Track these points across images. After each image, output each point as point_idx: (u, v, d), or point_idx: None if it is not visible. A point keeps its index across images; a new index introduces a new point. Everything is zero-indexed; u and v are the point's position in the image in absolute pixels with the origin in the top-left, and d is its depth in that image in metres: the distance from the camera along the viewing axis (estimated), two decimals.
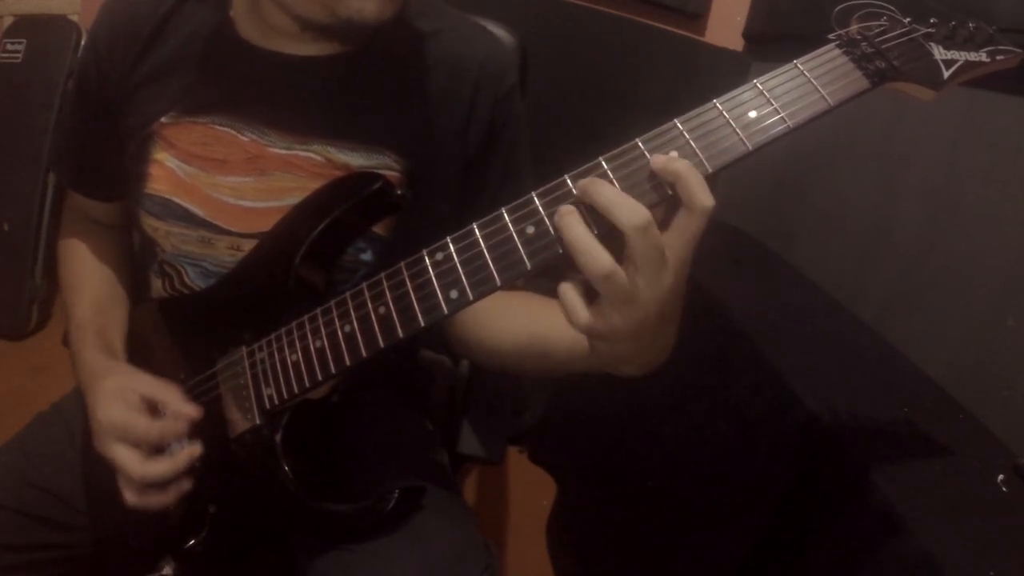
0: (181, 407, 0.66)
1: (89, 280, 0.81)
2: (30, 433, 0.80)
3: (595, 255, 0.44)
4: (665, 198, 0.46)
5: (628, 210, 0.43)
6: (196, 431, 0.68)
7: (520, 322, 0.68)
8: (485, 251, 0.49)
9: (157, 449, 0.67)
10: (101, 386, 0.67)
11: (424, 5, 0.74)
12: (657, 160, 0.45)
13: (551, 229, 0.47)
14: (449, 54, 0.73)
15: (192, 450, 0.65)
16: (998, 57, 0.50)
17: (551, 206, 0.47)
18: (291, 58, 0.70)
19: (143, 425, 0.65)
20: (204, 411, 0.68)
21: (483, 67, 0.73)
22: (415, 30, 0.73)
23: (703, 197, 0.44)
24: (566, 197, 0.47)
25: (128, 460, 0.64)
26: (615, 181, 0.46)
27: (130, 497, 0.65)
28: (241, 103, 0.70)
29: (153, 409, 0.67)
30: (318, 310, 0.60)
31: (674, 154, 0.45)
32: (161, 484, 0.65)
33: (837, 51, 0.48)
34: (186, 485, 0.66)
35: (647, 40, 1.78)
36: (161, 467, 0.64)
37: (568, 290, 0.47)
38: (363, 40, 0.67)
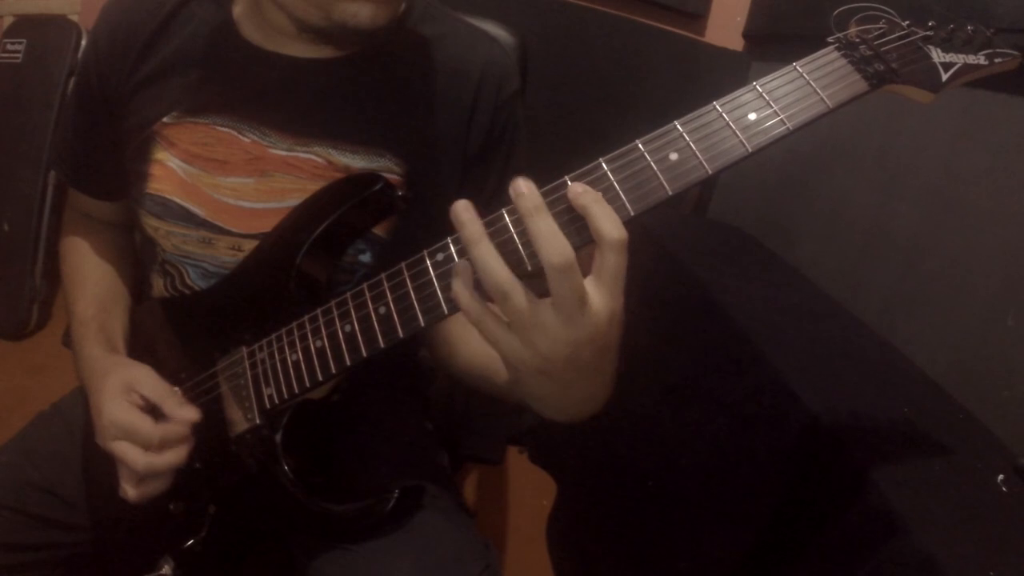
0: (182, 412, 0.66)
1: (91, 277, 0.81)
2: (30, 433, 0.80)
3: (494, 274, 0.44)
4: (665, 199, 0.47)
5: (551, 248, 0.43)
6: (196, 431, 0.68)
7: (476, 345, 0.69)
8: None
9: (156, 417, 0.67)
10: (105, 383, 0.68)
11: (427, 9, 0.75)
12: (572, 191, 0.45)
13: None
14: (451, 59, 0.73)
15: (188, 442, 0.66)
16: (996, 60, 0.50)
17: (551, 207, 0.47)
18: (293, 60, 0.70)
19: (146, 429, 0.65)
20: (204, 411, 0.69)
21: (484, 72, 0.73)
22: (418, 34, 0.73)
23: (610, 229, 0.44)
24: (566, 199, 0.47)
25: (131, 454, 0.64)
26: (616, 183, 0.47)
27: (130, 490, 0.65)
28: (242, 104, 0.71)
29: (155, 409, 0.67)
30: (318, 310, 0.60)
31: (583, 189, 0.45)
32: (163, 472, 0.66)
33: (836, 54, 0.48)
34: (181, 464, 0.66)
35: (647, 40, 1.78)
36: (164, 459, 0.64)
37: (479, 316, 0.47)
38: (359, 44, 0.67)
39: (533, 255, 0.47)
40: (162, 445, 0.65)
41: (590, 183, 0.47)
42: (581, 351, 0.47)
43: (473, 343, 0.71)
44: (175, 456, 0.65)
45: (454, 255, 0.51)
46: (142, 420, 0.65)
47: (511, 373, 0.51)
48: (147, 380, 0.69)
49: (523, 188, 0.45)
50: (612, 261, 0.44)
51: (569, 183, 0.46)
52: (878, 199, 1.25)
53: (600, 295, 0.45)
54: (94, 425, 0.67)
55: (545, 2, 1.72)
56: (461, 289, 0.47)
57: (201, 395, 0.70)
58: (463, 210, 0.46)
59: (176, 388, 0.72)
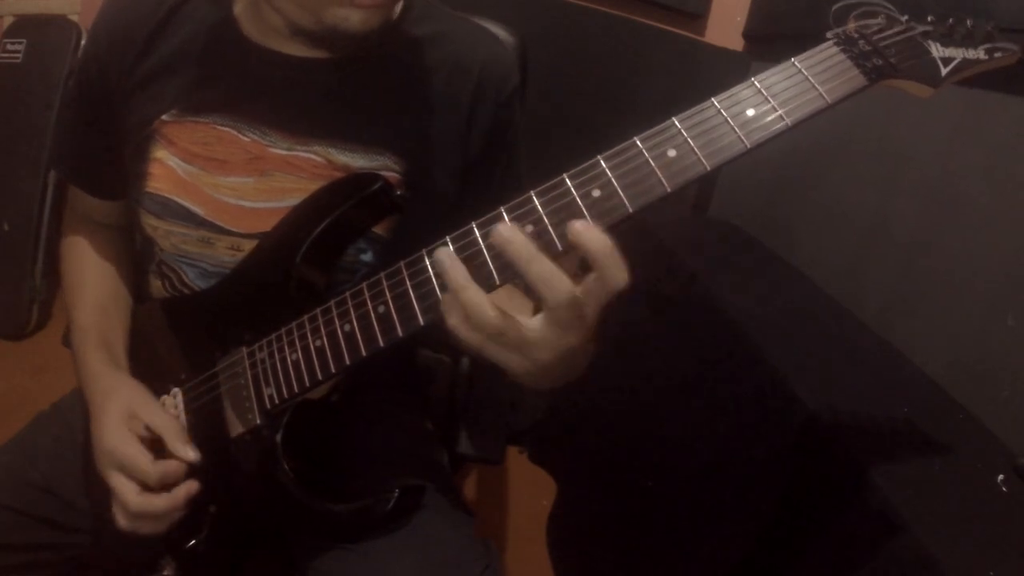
0: (184, 451, 0.66)
1: (91, 280, 0.81)
2: (30, 433, 0.80)
3: (485, 315, 0.46)
4: (664, 196, 0.46)
5: (555, 289, 0.45)
6: (196, 431, 0.68)
7: None
8: (484, 251, 0.49)
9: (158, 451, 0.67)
10: (107, 406, 0.67)
11: (427, 8, 0.75)
12: (574, 229, 0.45)
13: (549, 228, 0.47)
14: (451, 57, 0.73)
15: (190, 487, 0.65)
16: (996, 55, 0.50)
17: (550, 204, 0.48)
18: (293, 59, 0.70)
19: (143, 465, 0.64)
20: (204, 412, 0.69)
21: (485, 70, 0.73)
22: (418, 32, 0.73)
23: (618, 277, 0.45)
24: (564, 196, 0.47)
25: (126, 490, 0.64)
26: (614, 180, 0.47)
27: (122, 522, 0.65)
28: (243, 103, 0.71)
29: (157, 440, 0.67)
30: (318, 310, 0.60)
31: (584, 227, 0.45)
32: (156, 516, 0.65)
33: (835, 49, 0.48)
34: (179, 516, 0.66)
35: (647, 40, 1.78)
36: (158, 503, 0.64)
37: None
38: (351, 47, 0.67)
39: (503, 268, 0.48)
40: (160, 484, 0.64)
41: (589, 180, 0.47)
42: (576, 349, 0.49)
43: None
44: (171, 501, 0.64)
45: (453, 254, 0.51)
46: (141, 456, 0.65)
47: (511, 375, 0.52)
48: (150, 408, 0.69)
49: (508, 234, 0.46)
50: (608, 297, 0.46)
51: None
52: (877, 196, 1.24)
53: (593, 303, 0.47)
54: (93, 449, 0.67)
55: (545, 2, 1.72)
56: (459, 323, 0.48)
57: (201, 395, 0.70)
58: (446, 257, 0.48)
59: (178, 390, 0.72)
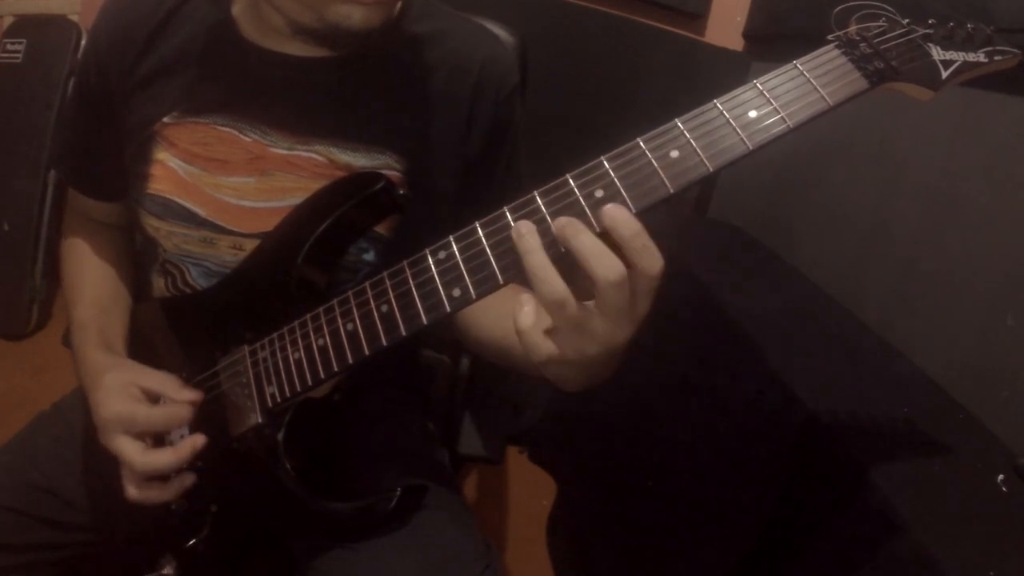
0: (182, 393, 0.66)
1: (91, 279, 0.81)
2: (30, 433, 0.80)
3: (552, 283, 0.45)
4: (667, 196, 0.47)
5: (605, 265, 0.44)
6: (198, 429, 0.68)
7: (492, 318, 0.70)
8: (488, 249, 0.49)
9: (160, 441, 0.67)
10: (103, 382, 0.67)
11: (426, 7, 0.75)
12: (607, 213, 0.45)
13: (553, 228, 0.47)
14: (451, 56, 0.73)
15: (195, 439, 0.65)
16: (996, 58, 0.50)
17: (553, 204, 0.48)
18: (293, 58, 0.70)
19: (144, 412, 0.65)
20: (206, 410, 0.69)
21: (484, 69, 0.73)
22: (417, 32, 0.73)
23: (652, 263, 0.44)
24: (568, 196, 0.48)
25: (132, 450, 0.64)
26: (617, 180, 0.47)
27: (132, 491, 0.65)
28: (243, 103, 0.71)
29: (155, 400, 0.67)
30: (320, 309, 0.60)
31: (621, 215, 0.45)
32: (163, 478, 0.65)
33: (836, 52, 0.48)
34: (188, 480, 0.66)
35: (647, 40, 1.78)
36: (164, 457, 0.64)
37: (526, 326, 0.48)
38: (353, 45, 0.67)
39: (506, 268, 0.48)
40: (167, 426, 0.65)
41: (592, 180, 0.47)
42: (619, 348, 0.48)
43: (490, 317, 0.70)
44: (176, 455, 0.64)
45: (456, 253, 0.51)
46: (142, 407, 0.65)
47: (550, 366, 0.51)
48: (145, 373, 0.69)
49: (563, 222, 0.45)
50: (650, 285, 0.45)
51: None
52: (878, 198, 1.25)
53: (643, 304, 0.46)
54: (96, 424, 0.67)
55: (545, 2, 1.72)
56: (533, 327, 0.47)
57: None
58: (522, 224, 0.47)
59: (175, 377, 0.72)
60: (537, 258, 0.46)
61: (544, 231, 0.47)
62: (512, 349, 0.66)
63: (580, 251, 0.45)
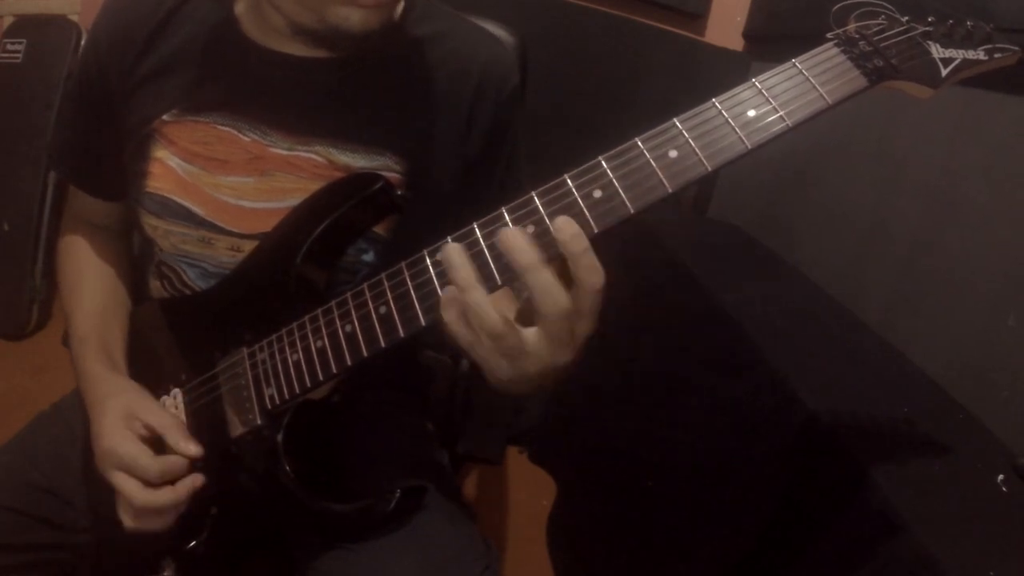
0: (185, 446, 0.66)
1: (89, 284, 0.80)
2: (30, 433, 0.80)
3: (488, 319, 0.47)
4: (665, 196, 0.47)
5: (552, 302, 0.45)
6: (197, 431, 0.68)
7: None
8: (486, 250, 0.49)
9: (159, 443, 0.67)
10: (106, 408, 0.67)
11: (427, 8, 0.75)
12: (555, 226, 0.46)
13: (551, 229, 0.47)
14: (451, 57, 0.73)
15: (195, 479, 0.65)
16: (996, 55, 0.50)
17: (551, 205, 0.48)
18: (294, 58, 0.70)
19: (145, 462, 0.64)
20: (205, 412, 0.69)
21: (485, 70, 0.73)
22: (418, 33, 0.73)
23: (594, 280, 0.45)
24: (566, 196, 0.47)
25: (129, 487, 0.64)
26: (615, 181, 0.47)
27: (128, 521, 0.65)
28: (243, 102, 0.71)
29: (157, 440, 0.67)
30: (319, 310, 0.60)
31: (569, 223, 0.46)
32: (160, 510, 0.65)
33: (835, 50, 0.48)
34: (183, 508, 0.66)
35: (647, 40, 1.78)
36: (162, 497, 0.64)
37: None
38: (353, 47, 0.67)
39: (504, 270, 0.48)
40: (162, 479, 0.64)
41: (590, 180, 0.47)
42: (559, 368, 0.50)
43: None
44: (174, 495, 0.64)
45: None
46: (142, 452, 0.65)
47: (490, 378, 0.53)
48: (149, 407, 0.69)
49: (514, 241, 0.46)
50: (592, 303, 0.46)
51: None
52: (877, 197, 1.25)
53: (585, 324, 0.48)
54: (93, 449, 0.67)
55: (545, 2, 1.72)
56: (455, 320, 0.49)
57: (201, 396, 0.70)
58: (456, 254, 0.48)
59: (178, 390, 0.72)
60: (475, 294, 0.47)
61: (543, 232, 0.47)
62: None
63: (530, 285, 0.46)
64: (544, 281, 0.45)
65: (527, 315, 0.49)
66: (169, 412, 0.70)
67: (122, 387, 0.71)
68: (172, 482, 0.65)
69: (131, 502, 0.64)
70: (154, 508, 0.64)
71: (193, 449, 0.66)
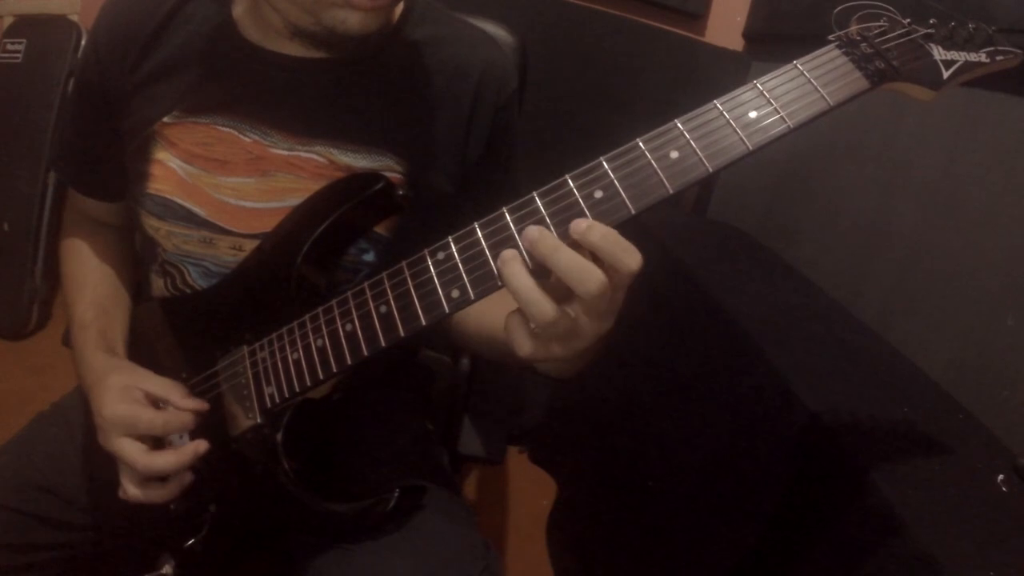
0: (185, 400, 0.67)
1: (91, 279, 0.80)
2: (30, 433, 0.80)
3: (540, 306, 0.46)
4: (666, 197, 0.47)
5: (587, 279, 0.45)
6: (197, 430, 0.68)
7: (478, 309, 0.70)
8: (487, 250, 0.49)
9: (159, 443, 0.67)
10: (105, 384, 0.68)
11: (426, 10, 0.75)
12: (576, 230, 0.46)
13: (552, 228, 0.47)
14: (451, 59, 0.73)
15: (198, 444, 0.65)
16: (998, 58, 0.50)
17: (552, 205, 0.48)
18: (294, 59, 0.70)
19: (147, 416, 0.65)
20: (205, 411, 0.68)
21: (484, 73, 0.73)
22: (418, 35, 0.73)
23: (629, 262, 0.45)
24: (567, 197, 0.48)
25: (133, 451, 0.64)
26: (616, 181, 0.47)
27: (131, 490, 0.65)
28: (243, 103, 0.71)
29: (157, 405, 0.67)
30: (319, 309, 0.60)
31: (586, 224, 0.45)
32: (162, 478, 0.66)
33: (837, 51, 0.48)
34: (187, 479, 0.66)
35: (647, 40, 1.78)
36: (166, 458, 0.64)
37: (513, 323, 0.49)
38: (351, 48, 0.67)
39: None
40: (166, 429, 0.65)
41: (591, 181, 0.47)
42: (605, 335, 0.50)
43: (479, 313, 0.71)
44: (177, 457, 0.64)
45: (455, 254, 0.51)
46: (143, 409, 0.65)
47: (536, 361, 0.52)
48: (147, 376, 0.69)
49: (535, 234, 0.46)
50: (627, 281, 0.47)
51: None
52: (878, 198, 1.25)
53: (622, 294, 0.48)
54: (96, 426, 0.67)
55: (545, 2, 1.72)
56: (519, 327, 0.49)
57: (202, 395, 0.70)
58: (507, 251, 0.48)
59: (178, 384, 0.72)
60: (522, 282, 0.46)
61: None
62: (498, 342, 0.67)
63: (558, 269, 0.45)
64: (574, 263, 0.45)
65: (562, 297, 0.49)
66: (165, 378, 0.70)
67: (119, 366, 0.71)
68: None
69: (134, 466, 0.64)
70: (157, 470, 0.64)
71: (196, 403, 0.66)
